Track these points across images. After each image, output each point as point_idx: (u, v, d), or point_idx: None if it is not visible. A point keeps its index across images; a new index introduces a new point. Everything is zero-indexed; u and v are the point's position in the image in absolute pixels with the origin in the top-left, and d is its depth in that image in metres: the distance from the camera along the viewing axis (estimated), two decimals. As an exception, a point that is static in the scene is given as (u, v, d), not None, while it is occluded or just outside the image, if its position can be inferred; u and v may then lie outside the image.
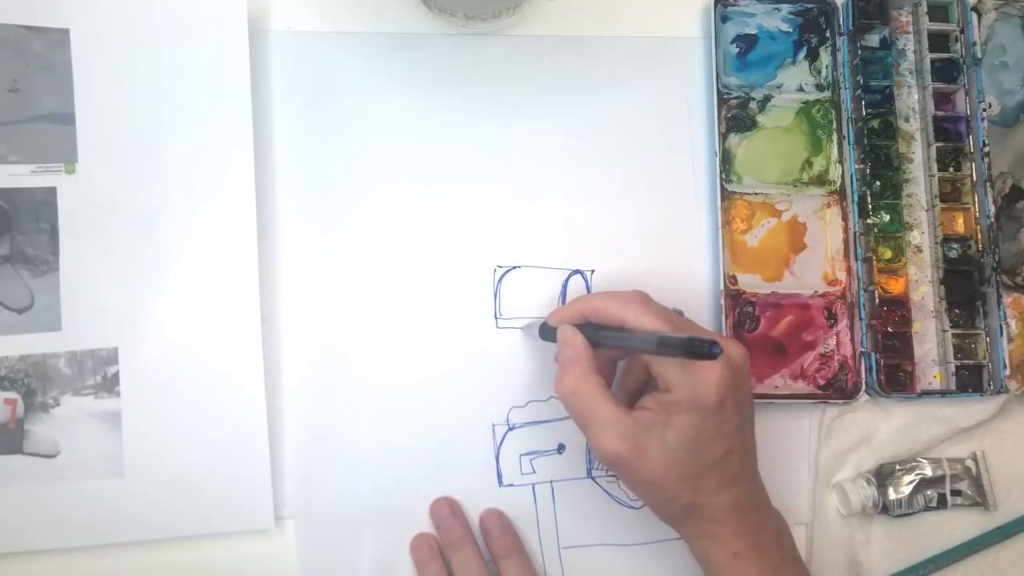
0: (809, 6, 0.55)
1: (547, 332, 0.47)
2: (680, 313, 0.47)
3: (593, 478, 0.50)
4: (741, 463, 0.43)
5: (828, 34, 0.55)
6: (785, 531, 0.45)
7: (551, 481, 0.50)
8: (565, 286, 0.52)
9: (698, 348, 0.38)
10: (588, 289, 0.52)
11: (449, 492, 0.49)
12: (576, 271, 0.52)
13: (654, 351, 0.41)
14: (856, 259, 0.52)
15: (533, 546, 0.49)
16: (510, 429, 0.50)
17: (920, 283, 0.54)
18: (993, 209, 0.53)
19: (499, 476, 0.50)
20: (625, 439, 0.41)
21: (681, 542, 0.44)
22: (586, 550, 0.49)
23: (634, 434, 0.41)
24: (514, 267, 0.52)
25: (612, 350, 0.46)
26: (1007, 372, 0.51)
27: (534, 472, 0.50)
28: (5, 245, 0.48)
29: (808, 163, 0.54)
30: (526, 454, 0.50)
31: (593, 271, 0.52)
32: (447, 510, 0.48)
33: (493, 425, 0.50)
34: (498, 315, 0.51)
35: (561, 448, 0.50)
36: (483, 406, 0.50)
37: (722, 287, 0.52)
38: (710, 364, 0.40)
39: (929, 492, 0.51)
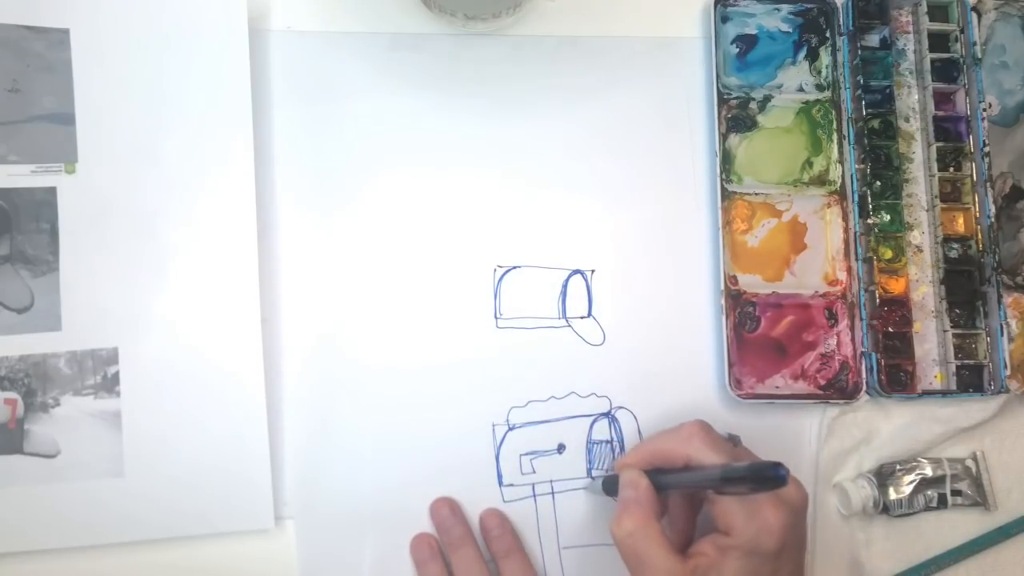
0: (809, 6, 0.55)
1: (613, 486, 0.45)
2: (737, 440, 0.48)
3: (593, 478, 0.50)
4: None
5: (828, 34, 0.55)
6: None
7: (551, 481, 0.50)
8: (565, 286, 0.52)
9: (765, 473, 0.37)
10: (588, 289, 0.52)
11: (449, 492, 0.49)
12: (576, 271, 0.52)
13: (719, 485, 0.40)
14: (856, 259, 0.52)
15: (533, 546, 0.49)
16: (510, 429, 0.50)
17: (920, 283, 0.53)
18: (993, 209, 0.53)
19: (499, 476, 0.50)
20: None
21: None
22: (586, 550, 0.49)
23: None
24: (514, 267, 0.52)
25: (677, 493, 0.44)
26: (1007, 372, 0.51)
27: (534, 472, 0.50)
28: (5, 245, 0.48)
29: (808, 163, 0.54)
30: (526, 454, 0.50)
31: (593, 271, 0.52)
32: (447, 510, 0.48)
33: (493, 425, 0.50)
34: (498, 315, 0.51)
35: (561, 448, 0.50)
36: (483, 406, 0.50)
37: (722, 287, 0.51)
38: (774, 508, 0.40)
39: (929, 492, 0.51)
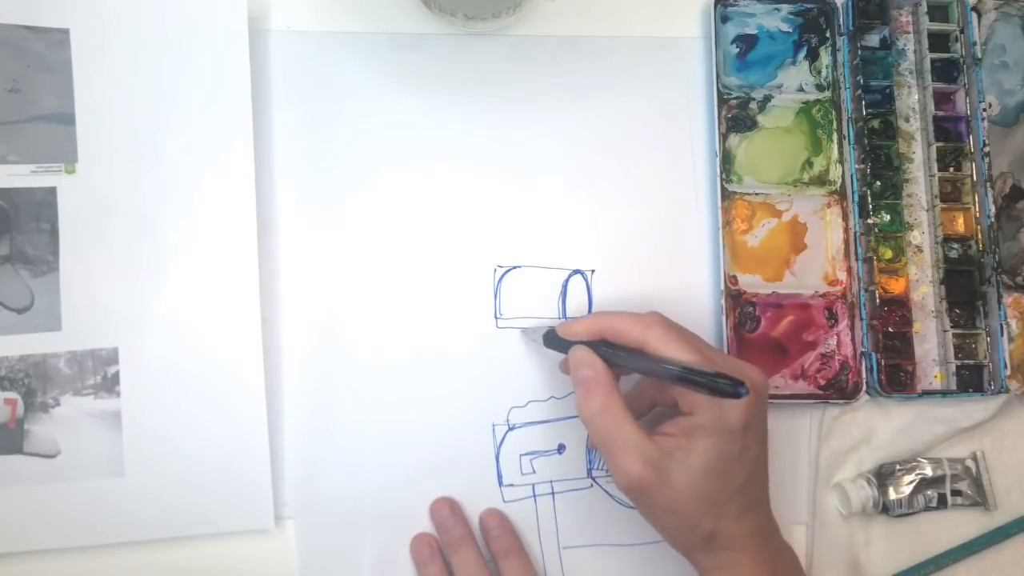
0: (809, 6, 0.55)
1: (554, 341, 0.46)
2: None
3: (593, 478, 0.50)
4: (761, 490, 0.43)
5: (828, 34, 0.55)
6: (796, 561, 0.44)
7: (551, 481, 0.50)
8: (565, 286, 0.52)
9: (723, 388, 0.37)
10: (588, 289, 0.52)
11: (449, 492, 0.49)
12: (576, 271, 0.52)
13: (676, 383, 0.40)
14: (857, 259, 0.52)
15: (533, 546, 0.49)
16: (510, 429, 0.50)
17: (920, 283, 0.53)
18: (993, 209, 0.53)
19: (499, 476, 0.50)
20: (648, 463, 0.40)
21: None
22: (586, 550, 0.49)
23: (656, 459, 0.40)
24: (514, 267, 0.52)
25: (620, 369, 0.44)
26: (1007, 372, 0.51)
27: (534, 472, 0.50)
28: (5, 245, 0.48)
29: (808, 163, 0.54)
30: (526, 454, 0.50)
31: (593, 271, 0.52)
32: (447, 510, 0.48)
33: (493, 425, 0.50)
34: (498, 315, 0.51)
35: (561, 448, 0.50)
36: (483, 406, 0.50)
37: (723, 287, 0.51)
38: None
39: (929, 492, 0.51)
